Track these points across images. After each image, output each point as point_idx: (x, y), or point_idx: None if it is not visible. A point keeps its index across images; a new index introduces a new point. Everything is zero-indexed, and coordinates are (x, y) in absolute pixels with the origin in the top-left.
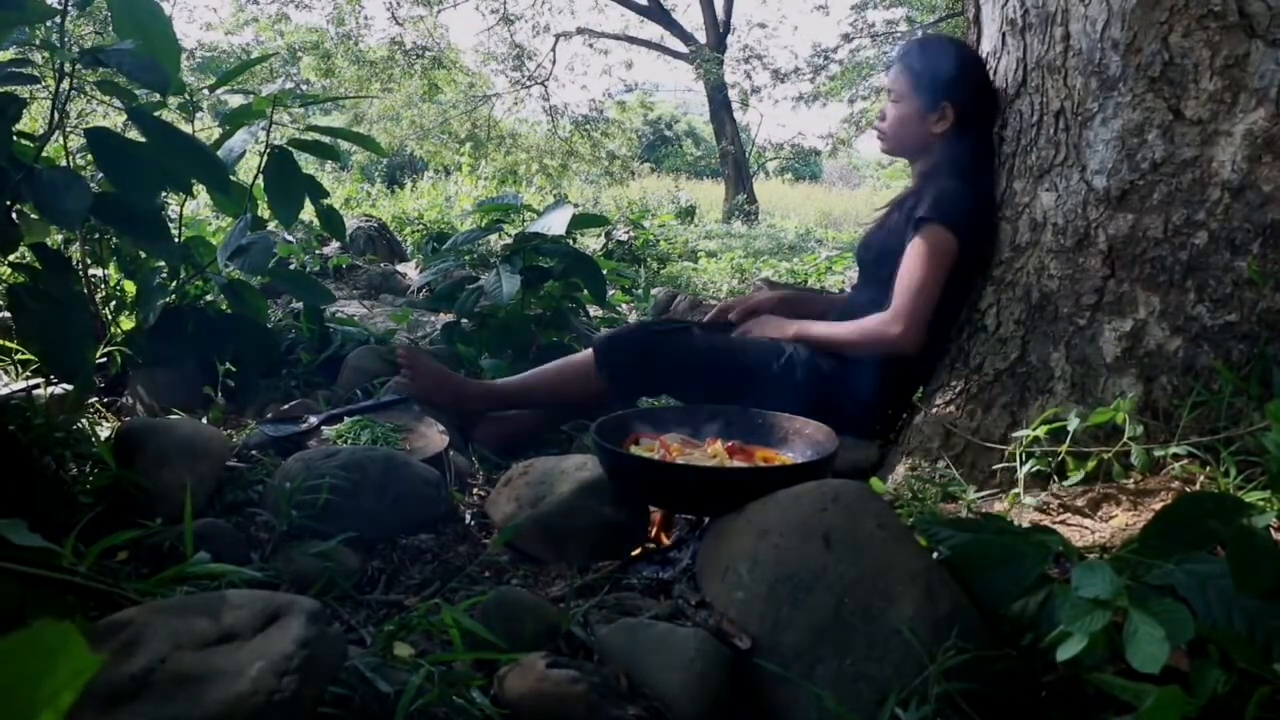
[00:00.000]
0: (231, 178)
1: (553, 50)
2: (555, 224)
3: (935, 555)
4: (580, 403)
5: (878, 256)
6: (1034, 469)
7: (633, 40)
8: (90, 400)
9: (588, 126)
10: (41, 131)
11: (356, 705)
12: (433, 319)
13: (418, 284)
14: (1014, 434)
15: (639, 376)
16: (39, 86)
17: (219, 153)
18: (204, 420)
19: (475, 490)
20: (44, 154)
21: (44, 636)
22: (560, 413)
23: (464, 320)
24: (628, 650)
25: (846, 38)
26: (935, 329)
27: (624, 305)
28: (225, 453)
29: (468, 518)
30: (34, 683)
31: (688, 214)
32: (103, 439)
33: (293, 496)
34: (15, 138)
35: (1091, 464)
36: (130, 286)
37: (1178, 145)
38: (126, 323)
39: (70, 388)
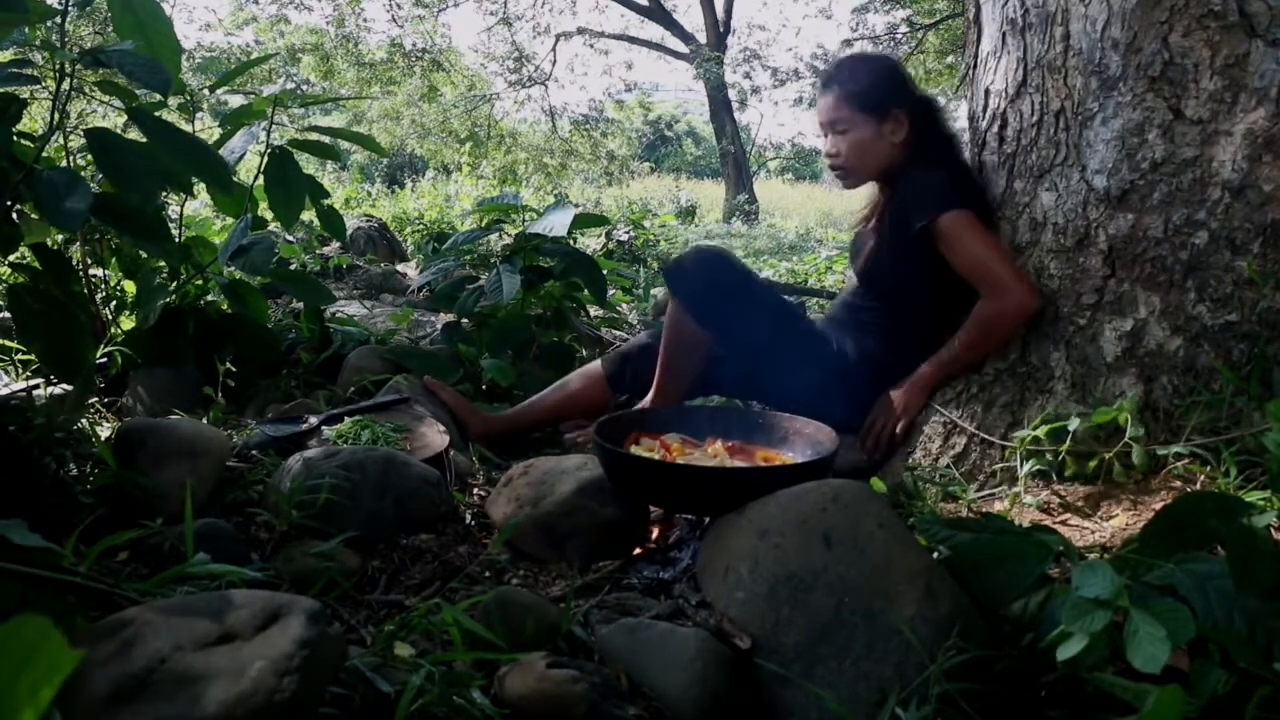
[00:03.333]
0: (232, 178)
1: (553, 50)
2: (557, 224)
3: (935, 555)
4: (592, 413)
5: (881, 274)
6: (1034, 469)
7: (633, 40)
8: (90, 400)
9: (587, 126)
10: (42, 132)
11: (357, 705)
12: (433, 319)
13: (418, 284)
14: (1014, 433)
15: (710, 298)
16: (39, 87)
17: (219, 153)
18: (204, 420)
19: (475, 490)
20: (44, 154)
21: (22, 633)
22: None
23: (464, 320)
24: (628, 650)
25: (848, 43)
26: (950, 313)
27: (624, 305)
28: (225, 453)
29: (468, 518)
30: (12, 679)
31: (688, 214)
32: (103, 439)
33: (293, 496)
34: (15, 138)
35: (1092, 464)
36: (130, 286)
37: (1178, 145)
38: (127, 323)
39: (70, 388)
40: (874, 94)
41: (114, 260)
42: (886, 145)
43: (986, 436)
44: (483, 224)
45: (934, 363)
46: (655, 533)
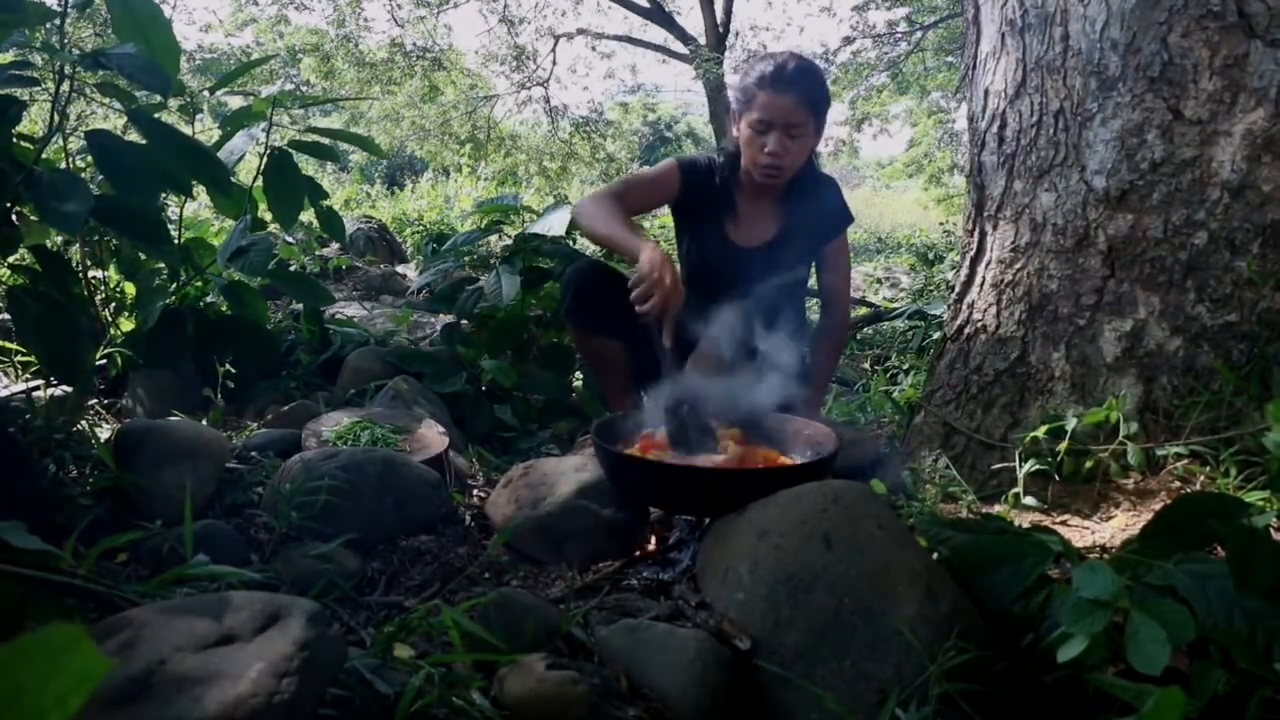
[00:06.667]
0: (231, 179)
1: (553, 51)
2: (556, 225)
3: (935, 555)
4: None
5: (784, 272)
6: (1034, 469)
7: (633, 41)
8: (90, 402)
9: (588, 129)
10: (41, 134)
11: (356, 707)
12: (432, 320)
13: (417, 285)
14: (1014, 434)
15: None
16: (39, 89)
17: (219, 154)
18: (204, 422)
19: (475, 491)
20: (44, 156)
21: (53, 639)
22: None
23: (464, 321)
24: (628, 651)
25: (848, 40)
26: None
27: None
28: (225, 454)
29: (468, 519)
30: (41, 686)
31: None
32: (102, 441)
33: (292, 498)
34: (15, 140)
35: (1091, 464)
36: (130, 288)
37: (1177, 145)
38: (126, 324)
39: (70, 389)
40: (825, 104)
41: (114, 262)
42: (810, 151)
43: (985, 440)
44: (482, 225)
45: (818, 388)
46: (655, 541)
